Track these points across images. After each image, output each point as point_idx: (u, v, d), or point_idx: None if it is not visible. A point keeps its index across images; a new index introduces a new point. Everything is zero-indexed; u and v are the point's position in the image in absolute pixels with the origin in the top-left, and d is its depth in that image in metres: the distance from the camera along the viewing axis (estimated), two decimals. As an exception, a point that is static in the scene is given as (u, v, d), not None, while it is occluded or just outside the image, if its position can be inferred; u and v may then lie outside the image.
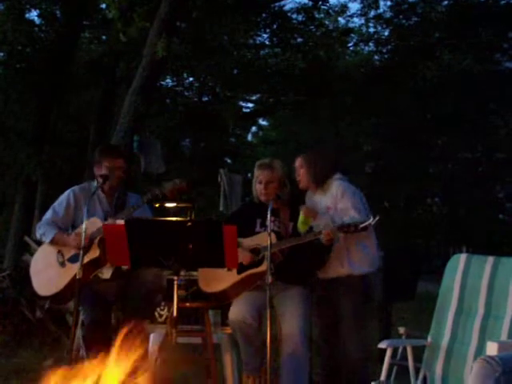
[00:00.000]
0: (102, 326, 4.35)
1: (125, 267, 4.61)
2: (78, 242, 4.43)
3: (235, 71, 16.79)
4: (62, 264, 4.63)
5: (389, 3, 17.66)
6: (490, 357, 3.25)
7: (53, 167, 12.86)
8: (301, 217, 4.62)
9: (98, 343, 4.19)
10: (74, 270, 4.47)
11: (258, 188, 4.83)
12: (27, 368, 5.92)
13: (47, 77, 12.90)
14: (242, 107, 21.63)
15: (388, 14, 17.90)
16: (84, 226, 4.23)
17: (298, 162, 4.90)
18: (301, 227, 4.60)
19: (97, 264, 4.53)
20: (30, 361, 6.29)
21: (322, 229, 4.45)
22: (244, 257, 4.55)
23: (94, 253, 4.48)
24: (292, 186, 4.90)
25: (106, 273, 4.62)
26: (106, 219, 4.64)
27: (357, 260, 4.70)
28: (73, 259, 4.58)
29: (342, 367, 4.78)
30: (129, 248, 3.82)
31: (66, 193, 4.86)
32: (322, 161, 4.86)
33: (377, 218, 4.40)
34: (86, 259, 4.31)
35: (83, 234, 4.21)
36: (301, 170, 4.89)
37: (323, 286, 4.82)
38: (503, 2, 16.77)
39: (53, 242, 4.68)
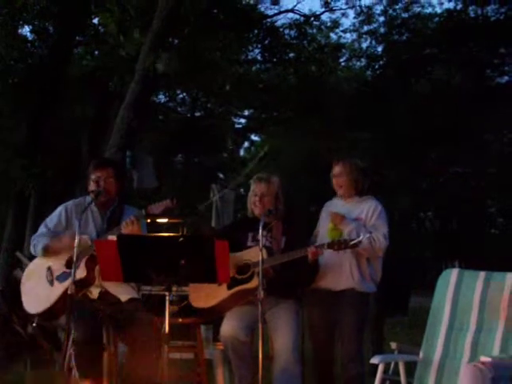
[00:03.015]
0: (93, 344, 4.31)
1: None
2: (71, 241, 4.37)
3: (227, 87, 16.84)
4: (51, 282, 4.60)
5: (382, 19, 17.80)
6: (482, 362, 3.27)
7: (45, 181, 12.84)
8: (330, 224, 4.66)
9: (90, 361, 4.19)
10: (61, 288, 4.46)
11: (252, 200, 4.84)
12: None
13: (40, 92, 12.91)
14: (234, 123, 21.71)
15: (381, 30, 18.04)
16: (77, 240, 4.20)
17: (339, 168, 4.93)
18: (331, 234, 4.64)
19: (83, 284, 4.48)
20: (23, 377, 6.25)
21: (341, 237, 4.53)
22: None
23: (81, 273, 4.43)
24: (287, 201, 4.91)
25: (94, 293, 4.59)
26: (98, 236, 4.60)
27: (367, 276, 4.76)
28: (61, 278, 4.54)
29: (336, 382, 4.79)
30: (121, 264, 3.81)
31: (59, 209, 4.81)
32: (362, 172, 4.93)
33: (367, 235, 4.46)
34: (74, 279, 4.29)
35: (75, 250, 4.18)
36: (339, 178, 4.92)
37: (326, 297, 4.81)
38: (493, 18, 16.90)
39: (46, 249, 4.61)
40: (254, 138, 27.55)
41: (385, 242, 4.68)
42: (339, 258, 4.68)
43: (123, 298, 4.56)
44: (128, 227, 4.44)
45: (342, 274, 4.74)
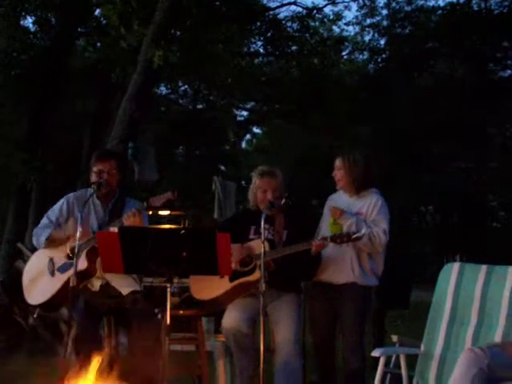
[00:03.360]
0: (91, 337, 4.32)
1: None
2: (74, 227, 4.41)
3: (230, 79, 16.84)
4: (52, 273, 4.60)
5: (385, 12, 17.78)
6: (479, 347, 3.29)
7: (46, 175, 12.85)
8: (330, 219, 4.67)
9: (87, 354, 4.20)
10: (62, 279, 4.47)
11: (260, 196, 4.80)
12: (21, 375, 5.89)
13: (41, 83, 12.90)
14: (236, 115, 21.72)
15: (384, 23, 18.02)
16: (78, 232, 4.20)
17: (339, 162, 4.91)
18: (331, 229, 4.62)
19: (84, 275, 4.49)
20: (24, 368, 6.25)
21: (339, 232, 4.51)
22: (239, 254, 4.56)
23: (82, 264, 4.41)
24: (289, 194, 4.89)
25: (96, 285, 4.60)
26: (100, 228, 4.60)
27: (368, 270, 4.76)
28: (62, 269, 4.55)
29: (337, 375, 4.80)
30: (122, 255, 3.82)
31: (61, 201, 4.82)
32: (364, 166, 4.88)
33: (368, 230, 4.46)
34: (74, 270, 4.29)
35: (77, 243, 4.18)
36: (338, 172, 4.91)
37: (328, 290, 4.81)
38: (497, 11, 16.87)
39: (50, 239, 4.62)
40: (256, 130, 27.58)
41: (384, 238, 4.67)
42: (340, 251, 4.69)
43: (124, 291, 4.56)
44: (130, 219, 4.44)
45: (343, 268, 4.74)
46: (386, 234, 4.68)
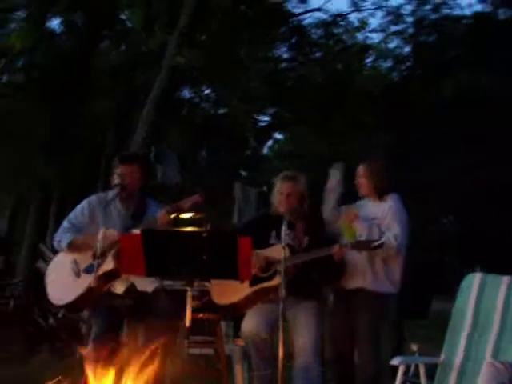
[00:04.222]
0: (109, 341, 4.33)
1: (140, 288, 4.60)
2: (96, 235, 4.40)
3: (252, 84, 16.84)
4: (77, 274, 4.60)
5: (410, 19, 17.70)
6: (500, 362, 3.25)
7: (68, 176, 12.92)
8: (343, 224, 4.68)
9: (106, 356, 4.21)
10: (88, 280, 4.43)
11: (280, 200, 4.80)
12: (39, 375, 5.93)
13: (66, 85, 12.98)
14: (258, 120, 21.68)
15: (409, 31, 17.94)
16: (101, 233, 4.21)
17: (361, 170, 4.94)
18: (346, 233, 4.65)
19: (111, 276, 4.48)
20: (42, 368, 6.29)
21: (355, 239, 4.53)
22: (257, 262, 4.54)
23: (109, 265, 4.42)
24: (310, 200, 4.89)
25: (119, 288, 4.58)
26: (126, 229, 4.57)
27: (381, 276, 4.73)
28: (87, 270, 4.51)
29: (355, 382, 4.78)
30: (144, 258, 3.82)
31: (82, 203, 4.80)
32: (385, 172, 4.92)
33: (383, 238, 4.45)
34: (101, 271, 4.29)
35: (98, 245, 4.20)
36: (360, 179, 4.94)
37: (343, 296, 4.81)
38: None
39: (71, 245, 4.62)
40: (278, 136, 27.50)
41: (395, 243, 4.62)
42: (352, 256, 4.68)
43: (150, 289, 4.58)
44: (167, 216, 4.49)
45: (355, 272, 4.73)
46: (397, 238, 4.63)
